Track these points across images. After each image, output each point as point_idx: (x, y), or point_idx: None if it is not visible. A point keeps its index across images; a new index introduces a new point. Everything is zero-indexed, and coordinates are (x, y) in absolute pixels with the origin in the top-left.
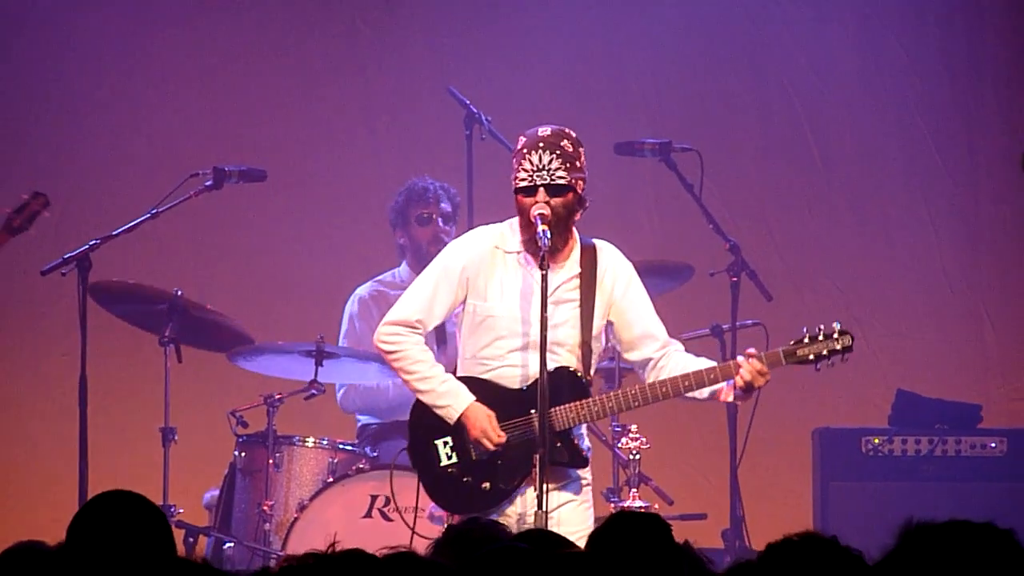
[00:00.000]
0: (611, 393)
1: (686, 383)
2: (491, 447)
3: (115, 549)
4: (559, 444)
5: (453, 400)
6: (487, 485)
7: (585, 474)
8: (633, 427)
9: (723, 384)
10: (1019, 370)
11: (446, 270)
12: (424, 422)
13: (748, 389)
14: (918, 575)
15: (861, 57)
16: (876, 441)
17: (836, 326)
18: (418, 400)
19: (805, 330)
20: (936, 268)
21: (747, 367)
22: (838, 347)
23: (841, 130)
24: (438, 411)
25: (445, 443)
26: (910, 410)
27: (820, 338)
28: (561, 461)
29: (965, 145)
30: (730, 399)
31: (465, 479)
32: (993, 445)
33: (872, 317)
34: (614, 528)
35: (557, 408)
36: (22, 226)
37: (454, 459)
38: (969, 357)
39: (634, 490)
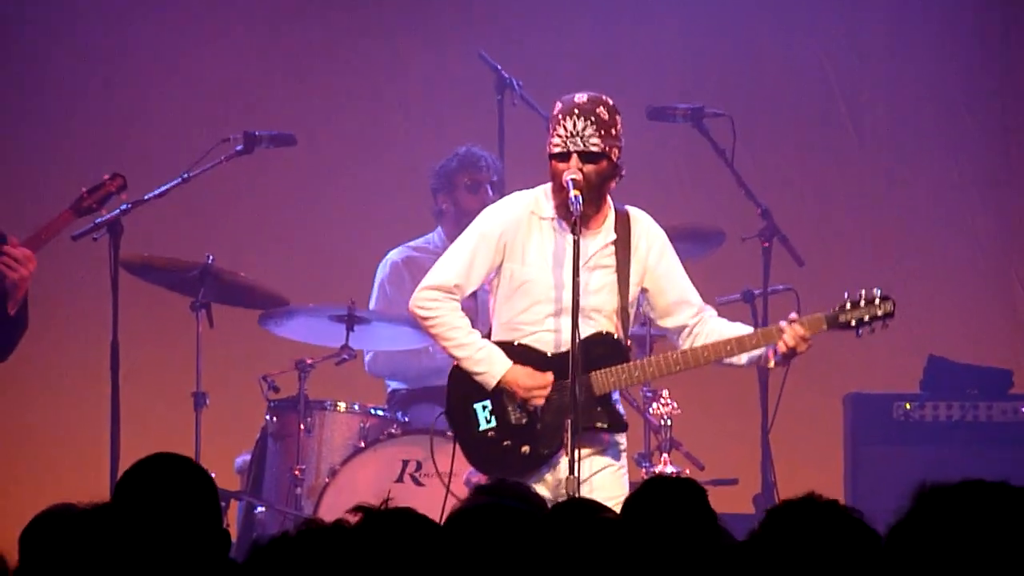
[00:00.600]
0: (652, 358)
1: (728, 348)
2: (542, 399)
3: (163, 510)
4: (599, 408)
5: (490, 367)
6: (527, 449)
7: (621, 439)
8: (664, 393)
9: (763, 349)
10: None
11: (484, 235)
12: (462, 386)
13: (789, 355)
14: (934, 536)
15: (893, 20)
16: (908, 406)
17: (877, 292)
18: (456, 364)
19: (847, 295)
20: (968, 233)
21: (790, 332)
22: (879, 313)
23: (873, 94)
24: (476, 377)
25: (484, 407)
26: (942, 376)
27: (861, 304)
28: (601, 426)
29: (998, 109)
30: (771, 365)
31: (505, 443)
32: None
33: (904, 282)
34: (650, 494)
35: (597, 372)
36: (91, 207)
37: (493, 423)
38: (1001, 322)
39: (665, 455)
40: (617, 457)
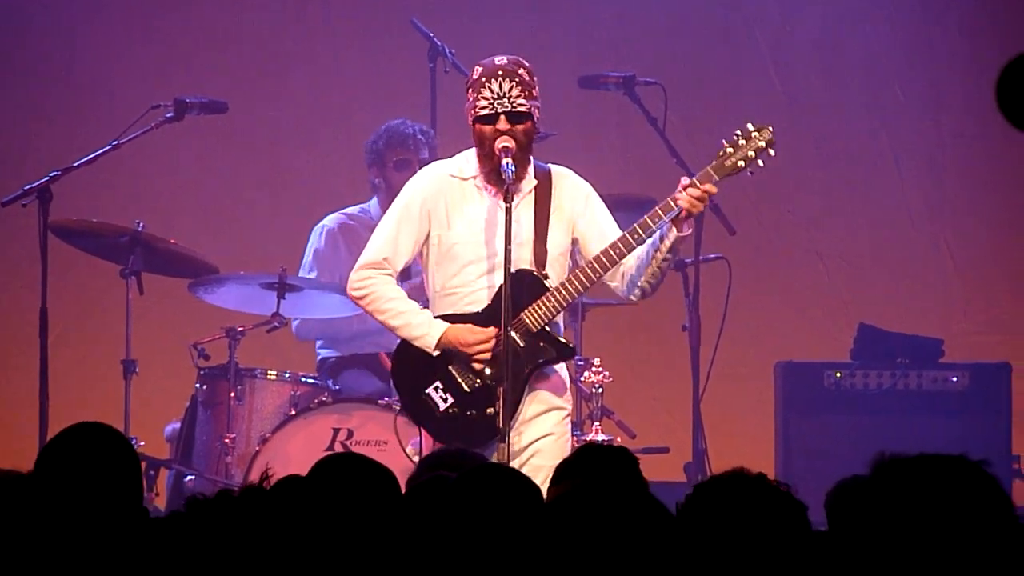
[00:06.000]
0: (570, 275)
1: (634, 236)
2: (488, 352)
3: (84, 480)
4: (542, 344)
5: (429, 328)
6: (491, 410)
7: (565, 403)
8: (596, 361)
9: (667, 222)
10: (980, 304)
11: (406, 207)
12: (408, 379)
13: (688, 218)
14: (894, 507)
15: None
16: (838, 375)
17: (750, 125)
18: (396, 359)
19: (724, 142)
20: (898, 202)
21: (683, 197)
22: (762, 143)
23: (805, 64)
24: (416, 342)
25: (436, 388)
26: (872, 344)
27: (741, 143)
28: (550, 358)
29: (928, 79)
30: (675, 232)
31: (469, 413)
32: (955, 379)
33: (835, 251)
34: (581, 460)
35: (526, 311)
36: None
37: (450, 400)
38: (931, 291)
39: (597, 423)
40: (560, 424)
